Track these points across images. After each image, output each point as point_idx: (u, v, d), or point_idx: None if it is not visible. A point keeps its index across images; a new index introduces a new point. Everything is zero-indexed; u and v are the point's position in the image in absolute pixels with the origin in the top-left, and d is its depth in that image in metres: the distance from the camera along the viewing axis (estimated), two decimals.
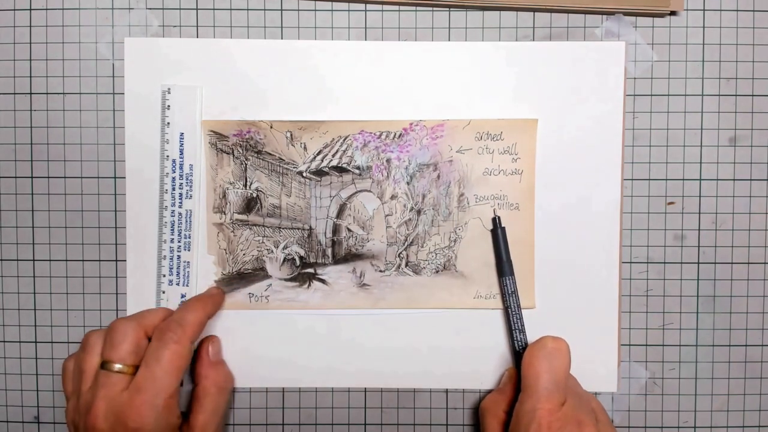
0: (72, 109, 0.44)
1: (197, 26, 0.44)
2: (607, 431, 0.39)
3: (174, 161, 0.43)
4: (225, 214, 0.44)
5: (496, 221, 0.43)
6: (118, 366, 0.38)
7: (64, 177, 0.44)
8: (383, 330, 0.44)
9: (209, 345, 0.43)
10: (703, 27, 0.44)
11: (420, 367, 0.44)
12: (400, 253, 0.44)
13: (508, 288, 0.43)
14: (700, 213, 0.44)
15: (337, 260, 0.44)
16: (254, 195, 0.44)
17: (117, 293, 0.45)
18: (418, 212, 0.44)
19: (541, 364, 0.38)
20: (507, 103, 0.43)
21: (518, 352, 0.43)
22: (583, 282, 0.44)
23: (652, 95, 0.44)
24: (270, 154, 0.44)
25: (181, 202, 0.44)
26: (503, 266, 0.43)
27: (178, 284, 0.44)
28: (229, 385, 0.43)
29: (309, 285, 0.44)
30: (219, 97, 0.43)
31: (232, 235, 0.44)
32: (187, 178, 0.43)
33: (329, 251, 0.44)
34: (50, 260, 0.45)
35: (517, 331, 0.43)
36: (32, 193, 0.45)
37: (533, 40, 0.44)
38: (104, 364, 0.38)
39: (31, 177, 0.44)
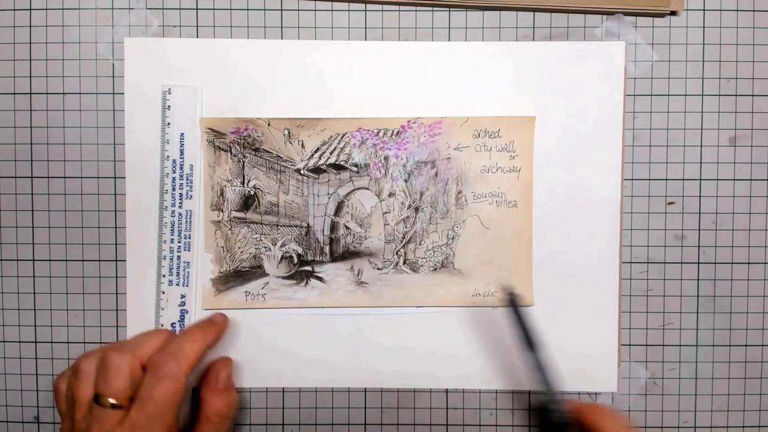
0: (72, 109, 0.44)
1: (197, 26, 0.44)
2: None
3: (174, 161, 0.43)
4: (222, 211, 0.44)
5: (512, 298, 0.39)
6: (111, 401, 0.35)
7: (64, 177, 0.44)
8: (381, 328, 0.44)
9: (220, 371, 0.40)
10: (703, 27, 0.44)
11: (419, 366, 0.44)
12: (398, 250, 0.44)
13: (542, 363, 0.37)
14: (700, 213, 0.44)
15: (335, 258, 0.44)
16: (252, 192, 0.44)
17: (117, 293, 0.45)
18: (416, 210, 0.44)
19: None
20: (506, 103, 0.43)
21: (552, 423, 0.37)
22: (582, 282, 0.44)
23: (652, 95, 0.44)
24: (268, 151, 0.44)
25: (181, 203, 0.44)
26: (533, 341, 0.38)
27: (177, 284, 0.44)
28: (233, 411, 0.40)
29: (306, 283, 0.44)
30: (219, 97, 0.43)
31: (230, 233, 0.44)
32: (187, 179, 0.43)
33: (327, 249, 0.44)
34: (50, 260, 0.45)
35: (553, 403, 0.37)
36: (32, 193, 0.45)
37: (533, 40, 0.44)
38: (97, 398, 0.36)
39: (31, 177, 0.45)
